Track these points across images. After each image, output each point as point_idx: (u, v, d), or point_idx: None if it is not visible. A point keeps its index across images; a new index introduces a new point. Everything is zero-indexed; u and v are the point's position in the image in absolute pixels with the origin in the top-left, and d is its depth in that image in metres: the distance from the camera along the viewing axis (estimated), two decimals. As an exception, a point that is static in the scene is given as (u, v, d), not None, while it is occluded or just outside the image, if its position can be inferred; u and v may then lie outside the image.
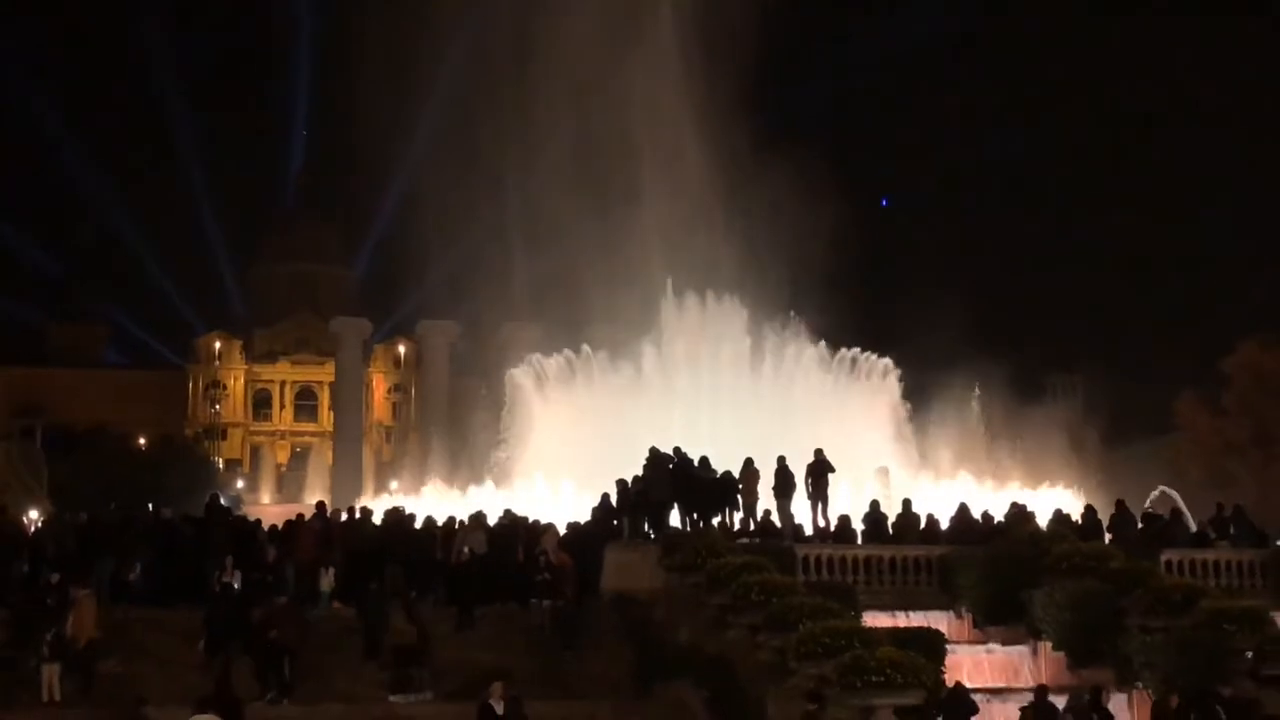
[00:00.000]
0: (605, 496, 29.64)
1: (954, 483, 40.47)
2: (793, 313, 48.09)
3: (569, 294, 55.07)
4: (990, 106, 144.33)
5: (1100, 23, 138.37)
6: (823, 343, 47.30)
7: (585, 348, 48.41)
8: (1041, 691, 21.57)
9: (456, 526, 28.57)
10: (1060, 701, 21.32)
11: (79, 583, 24.27)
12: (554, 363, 48.57)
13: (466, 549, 26.82)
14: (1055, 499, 38.58)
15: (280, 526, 29.08)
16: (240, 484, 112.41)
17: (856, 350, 47.21)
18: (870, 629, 22.13)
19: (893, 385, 46.46)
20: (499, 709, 20.04)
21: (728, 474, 30.21)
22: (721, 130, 52.53)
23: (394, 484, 67.64)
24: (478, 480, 45.43)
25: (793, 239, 49.75)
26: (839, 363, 46.97)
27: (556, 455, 43.40)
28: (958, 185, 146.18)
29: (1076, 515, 32.21)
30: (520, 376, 48.70)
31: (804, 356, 46.73)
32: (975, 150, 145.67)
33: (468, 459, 49.36)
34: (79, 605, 23.39)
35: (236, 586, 25.13)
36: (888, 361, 46.81)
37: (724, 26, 53.54)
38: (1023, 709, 21.42)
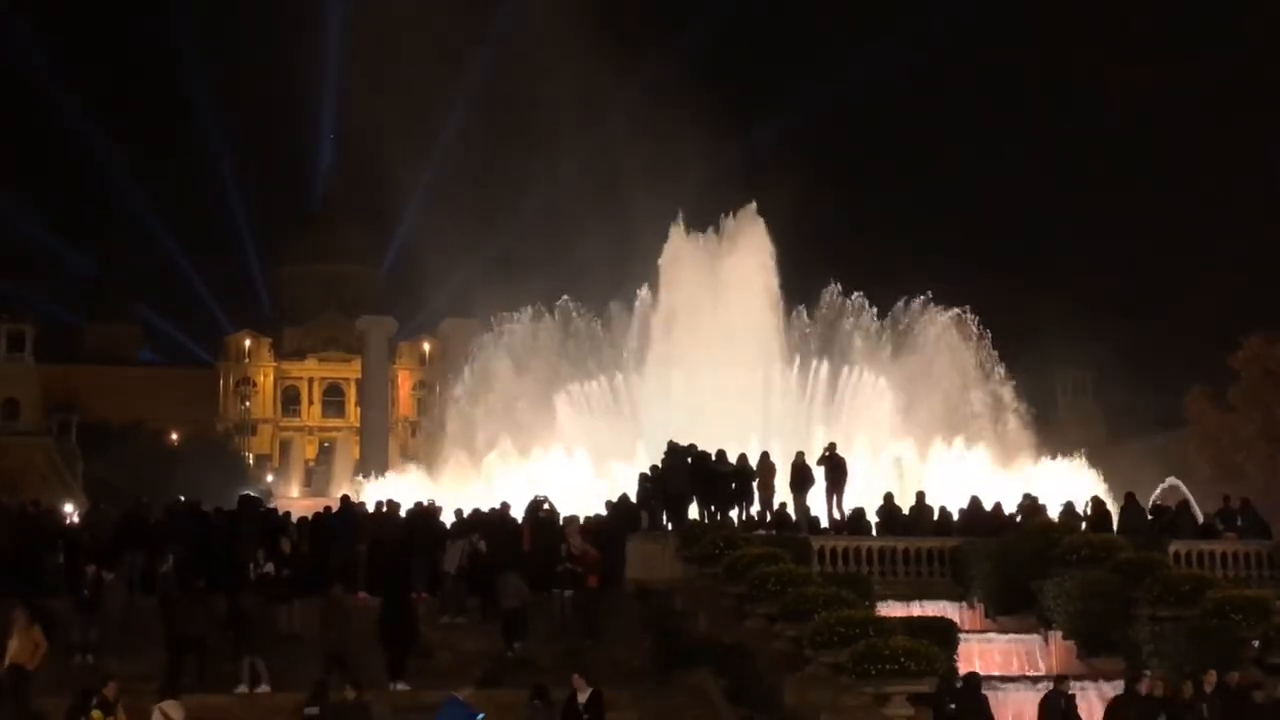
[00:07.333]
0: (624, 496, 30.29)
1: (969, 454, 41.22)
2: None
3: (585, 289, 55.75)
4: (999, 102, 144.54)
5: (1116, 14, 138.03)
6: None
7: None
8: (1059, 680, 21.84)
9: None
10: (1076, 689, 21.69)
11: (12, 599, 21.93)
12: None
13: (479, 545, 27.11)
14: (1069, 471, 39.27)
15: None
16: (270, 478, 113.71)
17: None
18: (884, 618, 22.54)
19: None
20: (582, 698, 20.11)
21: (743, 458, 30.75)
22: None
23: (411, 466, 68.23)
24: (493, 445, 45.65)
25: (797, 242, 50.58)
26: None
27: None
28: (965, 179, 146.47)
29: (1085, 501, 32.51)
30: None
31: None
32: (984, 146, 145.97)
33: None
34: (14, 626, 20.97)
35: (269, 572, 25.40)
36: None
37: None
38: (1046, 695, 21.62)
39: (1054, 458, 44.54)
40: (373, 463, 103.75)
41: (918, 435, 43.30)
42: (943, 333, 47.66)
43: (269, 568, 25.05)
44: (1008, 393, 48.41)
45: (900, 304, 48.74)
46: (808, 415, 44.71)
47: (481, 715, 18.92)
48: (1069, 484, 39.36)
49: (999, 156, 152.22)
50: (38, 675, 21.17)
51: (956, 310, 48.21)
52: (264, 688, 22.54)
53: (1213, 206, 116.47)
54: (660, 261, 49.05)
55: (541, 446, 42.83)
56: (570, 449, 42.14)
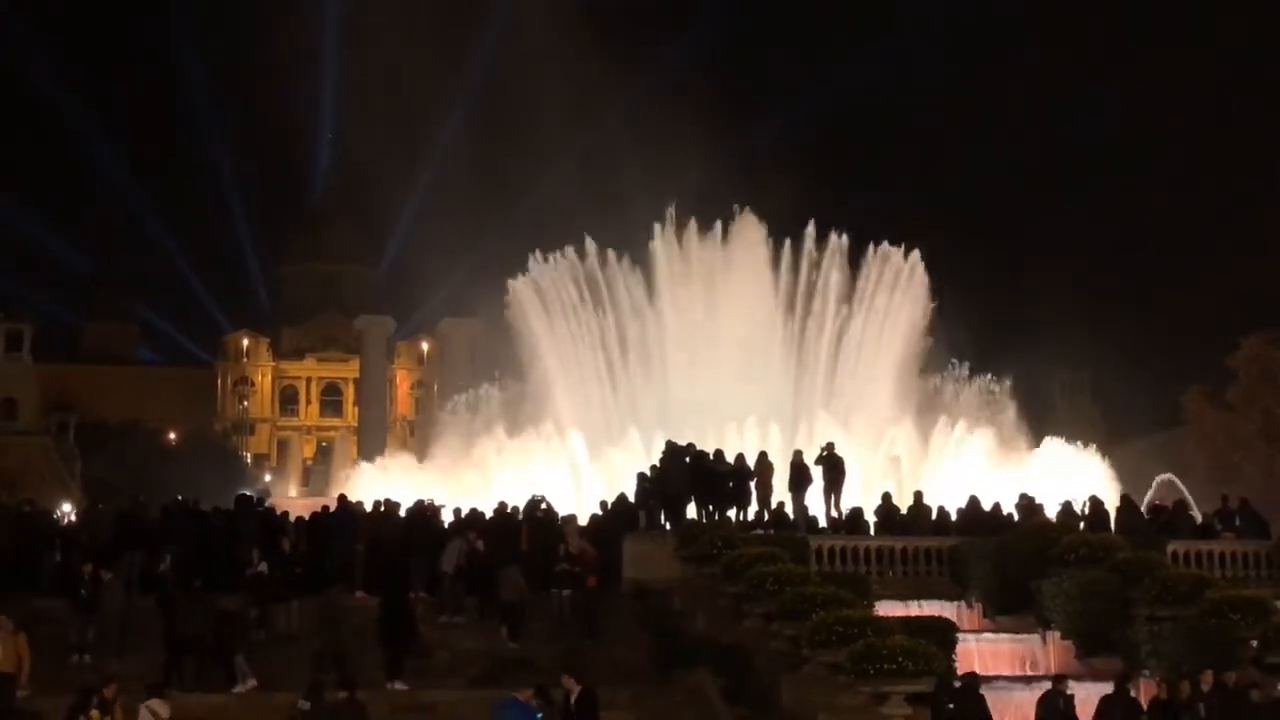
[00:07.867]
0: (622, 495, 30.28)
1: (970, 437, 41.28)
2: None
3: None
4: (999, 101, 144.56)
5: (1116, 14, 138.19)
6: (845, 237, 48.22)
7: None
8: (1058, 680, 21.81)
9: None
10: (1074, 689, 21.69)
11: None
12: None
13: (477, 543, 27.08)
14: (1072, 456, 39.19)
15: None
16: (268, 478, 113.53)
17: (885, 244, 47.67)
18: (882, 618, 22.52)
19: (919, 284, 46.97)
20: (573, 699, 20.00)
21: (740, 458, 30.78)
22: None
23: (403, 454, 68.30)
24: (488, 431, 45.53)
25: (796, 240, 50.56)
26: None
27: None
28: (966, 178, 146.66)
29: (1091, 493, 32.54)
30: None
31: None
32: (984, 146, 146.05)
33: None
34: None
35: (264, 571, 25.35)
36: (915, 258, 47.19)
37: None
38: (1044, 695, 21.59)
39: (1068, 442, 44.33)
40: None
41: (919, 418, 43.25)
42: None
43: (263, 567, 25.02)
44: (1006, 387, 48.52)
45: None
46: (809, 400, 44.71)
47: (539, 716, 19.05)
48: (1072, 472, 39.35)
49: (999, 156, 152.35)
50: (36, 676, 21.18)
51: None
52: (251, 682, 22.59)
53: (1213, 206, 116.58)
54: (658, 252, 49.07)
55: (534, 427, 42.61)
56: (563, 432, 41.92)
